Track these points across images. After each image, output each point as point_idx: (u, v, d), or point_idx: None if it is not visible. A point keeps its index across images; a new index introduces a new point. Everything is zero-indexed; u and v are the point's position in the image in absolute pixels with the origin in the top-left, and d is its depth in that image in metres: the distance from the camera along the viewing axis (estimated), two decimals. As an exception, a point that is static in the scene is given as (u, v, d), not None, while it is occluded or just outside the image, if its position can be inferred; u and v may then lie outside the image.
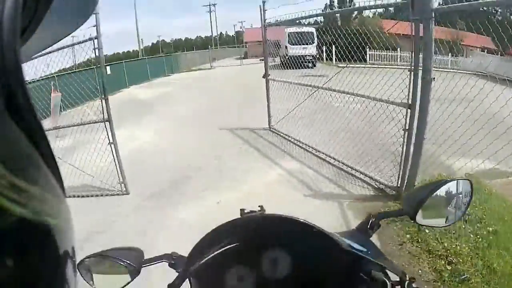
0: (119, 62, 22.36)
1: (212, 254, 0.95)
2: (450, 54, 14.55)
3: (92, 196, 4.63)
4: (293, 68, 6.90)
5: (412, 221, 0.95)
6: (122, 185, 4.66)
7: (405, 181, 3.76)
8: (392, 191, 3.96)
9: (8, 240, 0.17)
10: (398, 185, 3.85)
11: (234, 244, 0.98)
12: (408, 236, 3.15)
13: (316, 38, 12.38)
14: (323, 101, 5.58)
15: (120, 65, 21.25)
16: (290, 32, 13.07)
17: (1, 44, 0.19)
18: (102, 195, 4.62)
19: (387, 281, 0.84)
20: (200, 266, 0.94)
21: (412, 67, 3.45)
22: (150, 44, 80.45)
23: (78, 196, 4.59)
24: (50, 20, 0.28)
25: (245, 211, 1.02)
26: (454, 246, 2.90)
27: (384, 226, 3.29)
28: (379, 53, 18.66)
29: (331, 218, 3.52)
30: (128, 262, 0.92)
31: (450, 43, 11.09)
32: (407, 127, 3.64)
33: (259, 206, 1.04)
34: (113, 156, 4.59)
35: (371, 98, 4.22)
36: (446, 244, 2.94)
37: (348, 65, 5.00)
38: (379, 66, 5.03)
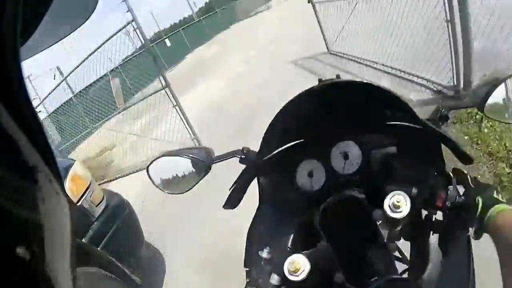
0: (175, 32, 22.94)
1: (278, 150, 0.95)
2: None
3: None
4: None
5: (482, 113, 0.92)
6: (195, 141, 5.09)
7: (461, 79, 3.46)
8: (450, 91, 3.67)
9: (8, 240, 0.17)
10: (455, 84, 3.55)
11: (300, 140, 0.97)
12: (467, 138, 3.00)
13: None
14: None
15: (179, 34, 21.90)
16: None
17: (1, 44, 0.19)
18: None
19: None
20: (267, 161, 0.93)
21: None
22: (204, 4, 79.56)
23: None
24: (50, 20, 0.27)
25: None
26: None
27: (445, 127, 3.18)
28: None
29: None
30: (199, 158, 0.93)
31: None
32: (448, 18, 3.24)
33: (336, 75, 0.96)
34: (180, 117, 5.01)
35: None
36: (508, 144, 2.75)
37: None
38: None
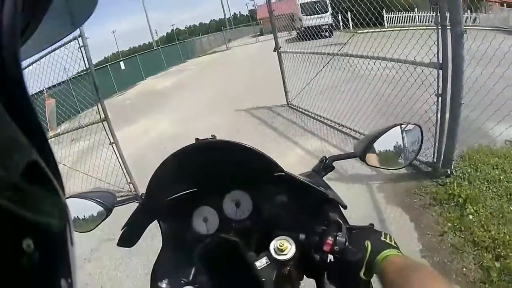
0: (132, 56, 22.44)
1: (173, 197, 1.02)
2: (469, 10, 13.26)
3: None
4: (310, 39, 6.31)
5: (363, 163, 0.99)
6: (131, 185, 4.40)
7: (442, 155, 3.20)
8: (428, 167, 3.41)
9: (8, 240, 0.17)
10: (434, 160, 3.29)
11: (191, 190, 1.04)
12: (449, 224, 2.65)
13: (329, 6, 11.67)
14: (343, 69, 4.97)
15: (134, 59, 21.33)
16: (302, 3, 12.52)
17: (1, 44, 0.19)
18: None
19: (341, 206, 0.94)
20: (164, 207, 1.01)
21: (439, 21, 2.85)
22: (165, 34, 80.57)
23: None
24: (50, 20, 0.27)
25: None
26: (502, 235, 2.40)
27: (422, 212, 2.87)
28: (397, 15, 17.40)
29: (360, 204, 3.05)
30: (102, 202, 0.99)
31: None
32: (440, 92, 3.01)
33: (211, 135, 1.02)
34: (117, 156, 4.33)
35: (394, 60, 3.56)
36: (493, 233, 2.44)
37: (363, 31, 4.45)
38: (401, 28, 4.22)
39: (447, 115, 3.03)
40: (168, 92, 13.07)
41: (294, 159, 4.34)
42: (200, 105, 9.01)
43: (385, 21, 15.80)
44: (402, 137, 0.99)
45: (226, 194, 1.05)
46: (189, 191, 1.03)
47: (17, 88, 0.20)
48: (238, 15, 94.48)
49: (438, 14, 2.84)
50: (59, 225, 0.22)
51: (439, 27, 2.86)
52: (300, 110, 6.20)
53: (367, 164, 0.98)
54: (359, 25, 4.84)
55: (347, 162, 3.69)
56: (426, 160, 3.39)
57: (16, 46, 0.20)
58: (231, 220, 1.05)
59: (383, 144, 0.97)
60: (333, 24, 10.61)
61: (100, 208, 0.99)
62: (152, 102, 11.53)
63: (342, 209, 0.94)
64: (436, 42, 2.91)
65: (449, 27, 2.77)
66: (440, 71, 2.92)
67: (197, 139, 0.95)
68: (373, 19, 4.48)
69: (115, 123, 4.43)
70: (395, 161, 1.02)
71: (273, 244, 0.88)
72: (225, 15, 65.87)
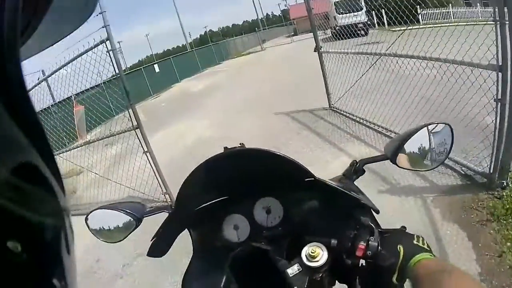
0: (166, 59, 22.71)
1: (203, 205, 1.02)
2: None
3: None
4: (345, 38, 6.08)
5: (394, 164, 0.96)
6: (167, 195, 4.24)
7: (499, 165, 2.88)
8: (483, 178, 3.09)
9: (8, 240, 0.17)
10: (490, 171, 2.97)
11: (221, 198, 1.04)
12: (508, 244, 2.38)
13: (364, 4, 11.31)
14: (388, 70, 4.61)
15: (168, 61, 21.59)
16: (336, 1, 12.19)
17: (1, 44, 0.19)
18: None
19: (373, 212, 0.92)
20: (194, 215, 1.02)
21: (497, 18, 2.54)
22: (198, 36, 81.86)
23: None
24: (50, 19, 0.27)
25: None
26: None
27: (479, 230, 2.60)
28: (431, 11, 16.59)
29: (415, 221, 2.81)
30: (132, 212, 0.99)
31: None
32: (499, 97, 2.70)
33: (240, 143, 1.05)
34: (151, 165, 4.19)
35: (449, 61, 3.19)
36: None
37: (408, 28, 4.14)
38: (456, 23, 3.84)
39: (506, 122, 2.73)
40: (204, 94, 12.99)
41: (340, 167, 3.95)
42: (238, 107, 8.80)
43: (420, 18, 15.20)
44: (432, 137, 0.98)
45: (256, 202, 1.06)
46: (219, 199, 1.04)
47: (18, 88, 0.20)
48: (271, 15, 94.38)
49: (496, 9, 2.55)
50: (59, 225, 0.22)
51: (498, 24, 2.56)
52: (344, 113, 5.82)
53: (398, 166, 0.96)
54: (392, 23, 4.61)
55: (399, 173, 3.46)
56: (482, 170, 3.09)
57: (16, 46, 0.20)
58: (262, 227, 1.05)
59: (413, 145, 0.96)
60: (369, 23, 10.28)
61: (130, 219, 1.00)
62: (187, 105, 11.52)
63: (374, 213, 0.93)
64: (494, 41, 2.61)
65: (508, 23, 2.49)
66: (500, 74, 2.62)
67: (225, 148, 0.96)
68: (410, 16, 4.20)
69: (150, 127, 4.35)
70: (426, 162, 0.99)
71: (305, 251, 0.88)
72: (257, 15, 65.88)
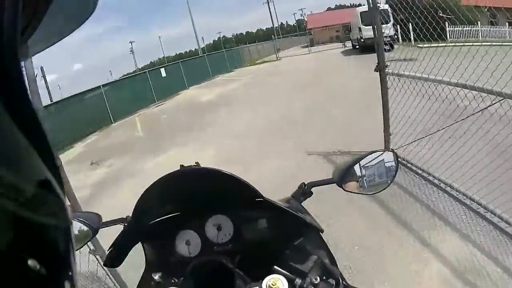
0: (174, 63, 21.38)
1: (157, 220, 1.05)
2: None
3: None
4: (367, 52, 5.63)
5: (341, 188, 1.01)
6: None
7: None
8: None
9: (8, 240, 0.17)
10: None
11: (174, 214, 1.07)
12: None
13: (391, 17, 10.95)
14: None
15: (177, 66, 20.28)
16: (362, 12, 11.81)
17: (1, 44, 0.19)
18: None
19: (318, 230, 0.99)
20: (148, 229, 1.05)
21: None
22: (212, 42, 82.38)
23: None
24: (50, 19, 0.27)
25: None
26: None
27: None
28: (460, 28, 16.06)
29: None
30: (88, 223, 1.03)
31: None
32: None
33: (195, 162, 1.10)
34: None
35: None
36: None
37: (448, 44, 3.68)
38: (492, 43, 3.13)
39: None
40: (213, 107, 11.44)
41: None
42: (253, 135, 6.86)
43: (448, 35, 14.74)
44: (377, 164, 1.06)
45: (208, 219, 1.08)
46: (172, 215, 1.07)
47: (18, 88, 0.20)
48: (285, 24, 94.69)
49: None
50: (59, 225, 0.22)
51: None
52: (415, 168, 3.93)
53: (345, 190, 1.02)
54: (418, 39, 4.18)
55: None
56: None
57: (16, 46, 0.20)
58: (213, 244, 1.07)
59: (359, 171, 1.04)
60: (396, 37, 9.85)
61: (86, 229, 1.03)
62: (192, 120, 9.96)
63: (320, 233, 1.00)
64: None
65: None
66: None
67: (181, 165, 1.05)
68: (438, 31, 3.84)
69: (141, 149, 3.65)
70: (371, 186, 1.06)
71: (266, 282, 0.87)
72: (273, 23, 65.90)
